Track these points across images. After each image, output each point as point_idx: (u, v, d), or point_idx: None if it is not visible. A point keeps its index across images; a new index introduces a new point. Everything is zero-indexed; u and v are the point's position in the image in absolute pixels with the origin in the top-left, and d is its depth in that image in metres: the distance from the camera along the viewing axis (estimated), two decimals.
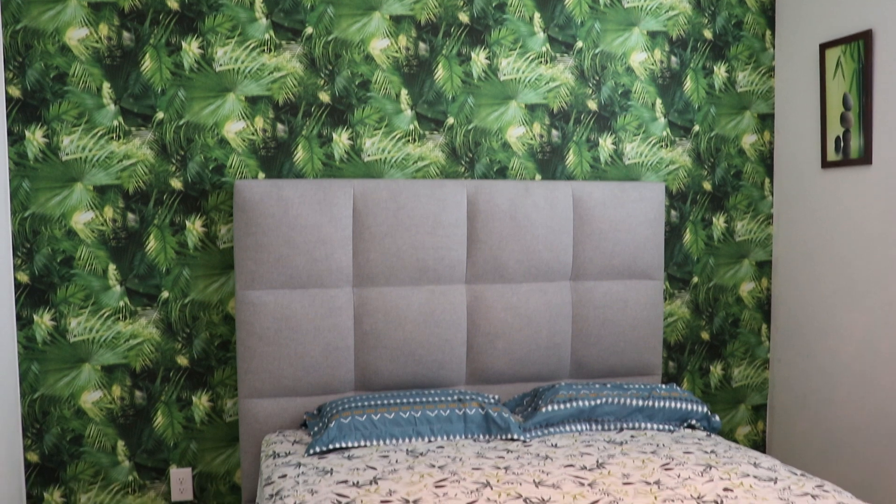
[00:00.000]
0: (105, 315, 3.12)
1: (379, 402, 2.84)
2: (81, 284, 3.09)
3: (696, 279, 3.68)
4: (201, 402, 3.23)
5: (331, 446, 2.69)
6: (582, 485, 2.34)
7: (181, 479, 3.23)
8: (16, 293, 3.05)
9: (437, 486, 2.32)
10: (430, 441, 2.79)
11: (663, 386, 3.08)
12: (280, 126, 3.22)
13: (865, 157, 3.20)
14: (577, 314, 3.30)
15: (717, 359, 3.74)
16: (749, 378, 3.79)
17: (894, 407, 3.13)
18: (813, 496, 2.26)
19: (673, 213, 3.63)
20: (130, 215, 3.12)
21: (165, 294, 3.17)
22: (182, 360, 3.20)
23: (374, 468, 2.50)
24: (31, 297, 3.06)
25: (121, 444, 3.18)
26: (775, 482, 2.37)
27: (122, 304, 3.13)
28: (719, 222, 3.69)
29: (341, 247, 3.05)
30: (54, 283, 3.07)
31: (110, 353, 3.13)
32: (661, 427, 2.99)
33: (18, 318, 3.06)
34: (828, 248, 3.45)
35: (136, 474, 3.20)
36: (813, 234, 3.53)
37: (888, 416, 3.16)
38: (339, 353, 3.06)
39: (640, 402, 2.97)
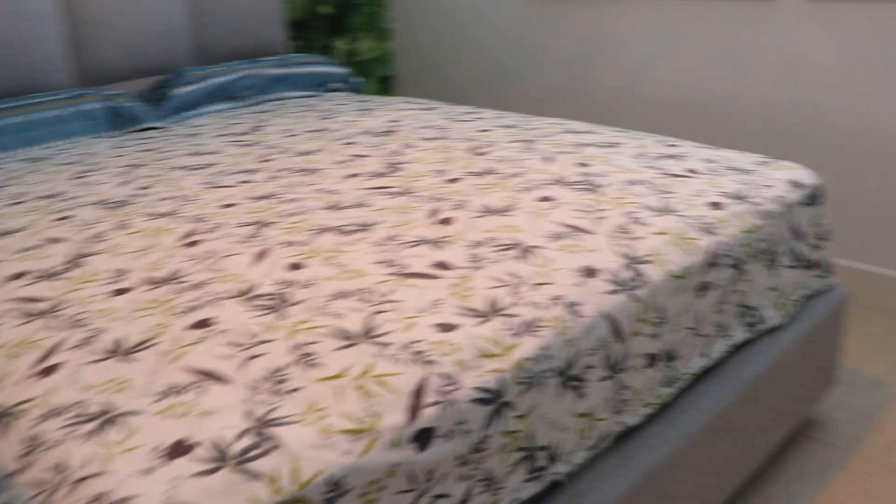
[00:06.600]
0: None
1: None
2: None
3: None
4: None
5: None
6: (243, 146, 2.12)
7: None
8: None
9: (78, 178, 1.95)
10: (47, 147, 2.35)
11: (298, 55, 2.87)
12: None
13: None
14: None
15: (340, 33, 3.59)
16: (375, 51, 3.72)
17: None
18: (469, 119, 2.27)
19: None
20: None
21: None
22: None
23: None
24: None
25: None
26: (437, 109, 2.35)
27: None
28: None
29: None
30: None
31: None
32: (304, 94, 2.82)
33: None
34: None
35: None
36: None
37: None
38: None
39: (280, 71, 2.75)
